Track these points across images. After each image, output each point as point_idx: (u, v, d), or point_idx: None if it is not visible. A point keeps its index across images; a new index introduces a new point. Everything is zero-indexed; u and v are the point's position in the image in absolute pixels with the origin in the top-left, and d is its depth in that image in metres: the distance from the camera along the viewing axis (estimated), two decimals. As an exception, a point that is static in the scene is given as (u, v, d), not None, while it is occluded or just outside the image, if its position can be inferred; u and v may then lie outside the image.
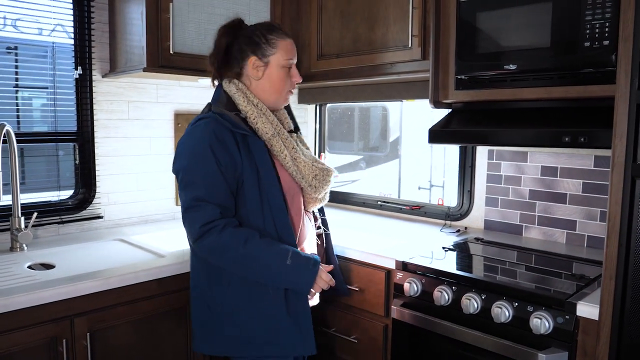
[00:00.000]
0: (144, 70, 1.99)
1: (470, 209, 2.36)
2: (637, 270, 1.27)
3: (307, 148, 1.73)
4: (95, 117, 2.23)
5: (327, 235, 1.82)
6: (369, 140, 4.45)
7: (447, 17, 1.89)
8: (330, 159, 3.12)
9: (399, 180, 4.64)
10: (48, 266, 1.83)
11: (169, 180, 2.48)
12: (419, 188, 4.57)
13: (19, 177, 1.97)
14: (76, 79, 2.20)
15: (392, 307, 1.81)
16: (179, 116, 2.49)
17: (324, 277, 1.55)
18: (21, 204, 1.99)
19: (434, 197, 4.42)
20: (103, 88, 2.25)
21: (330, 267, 1.63)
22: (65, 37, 2.18)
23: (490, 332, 1.56)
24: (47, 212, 2.14)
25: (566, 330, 1.43)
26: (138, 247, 2.03)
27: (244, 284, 1.52)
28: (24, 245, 1.96)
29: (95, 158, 2.26)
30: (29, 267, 1.80)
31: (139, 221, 2.42)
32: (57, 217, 2.17)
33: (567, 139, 1.59)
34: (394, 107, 4.08)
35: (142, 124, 2.38)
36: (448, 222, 2.40)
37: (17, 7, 2.04)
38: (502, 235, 2.21)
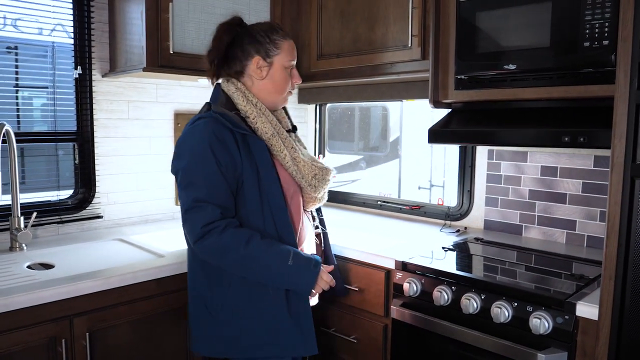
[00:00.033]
0: (144, 70, 1.99)
1: (470, 209, 2.36)
2: (637, 271, 1.27)
3: (305, 147, 1.72)
4: (95, 117, 2.23)
5: (325, 235, 1.82)
6: (369, 140, 4.45)
7: (447, 16, 1.89)
8: (330, 159, 3.12)
9: (399, 180, 4.64)
10: (47, 266, 1.83)
11: (169, 180, 2.48)
12: (419, 188, 4.57)
13: (19, 177, 1.97)
14: (76, 78, 2.20)
15: (392, 307, 1.81)
16: (178, 116, 2.49)
17: (325, 278, 1.55)
18: (21, 203, 1.99)
19: (434, 197, 4.42)
20: (103, 88, 2.25)
21: (331, 267, 1.63)
22: (65, 37, 2.19)
23: (490, 332, 1.56)
24: (46, 211, 2.14)
25: (565, 331, 1.43)
26: (138, 247, 2.03)
27: (244, 285, 1.51)
28: (24, 245, 1.96)
29: (95, 158, 2.26)
30: (29, 266, 1.80)
31: (139, 221, 2.42)
32: (57, 217, 2.17)
33: (566, 139, 1.59)
34: (394, 107, 4.09)
35: (141, 124, 2.39)
36: (448, 222, 2.40)
37: (17, 6, 2.05)
38: (502, 235, 2.21)
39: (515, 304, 1.52)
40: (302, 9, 2.46)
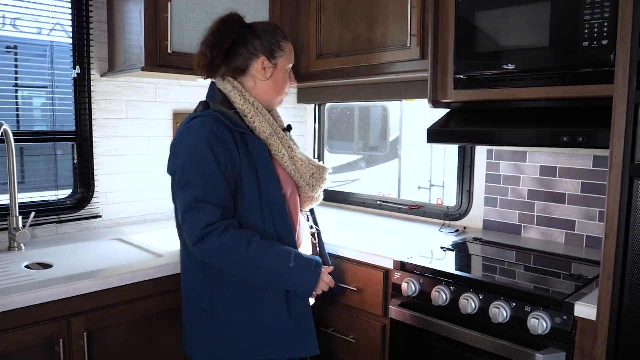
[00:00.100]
0: (143, 69, 1.99)
1: (469, 209, 2.35)
2: (635, 271, 1.26)
3: (298, 147, 1.71)
4: (93, 117, 2.23)
5: (319, 234, 1.81)
6: (369, 140, 4.45)
7: (446, 16, 1.89)
8: (330, 159, 3.11)
9: (399, 180, 4.63)
10: (46, 266, 1.83)
11: (168, 180, 2.46)
12: (419, 188, 4.57)
13: (19, 177, 1.97)
14: (75, 78, 2.20)
15: (390, 307, 1.81)
16: (178, 116, 2.48)
17: (326, 279, 1.54)
18: (19, 203, 1.99)
19: (434, 197, 4.42)
20: (102, 87, 2.25)
21: (331, 268, 1.62)
22: (64, 37, 2.18)
23: (488, 332, 1.55)
24: (45, 211, 2.14)
25: (564, 331, 1.42)
26: (136, 247, 2.03)
27: (244, 286, 1.50)
28: (22, 244, 1.96)
29: (94, 157, 2.25)
30: (27, 266, 1.80)
31: (138, 221, 2.41)
32: (56, 217, 2.17)
33: (565, 138, 1.59)
34: (394, 107, 4.08)
35: (140, 124, 2.38)
36: (447, 222, 2.40)
37: (17, 6, 2.05)
38: (501, 235, 2.21)
39: (514, 304, 1.52)
40: (302, 8, 2.46)
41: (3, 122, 1.88)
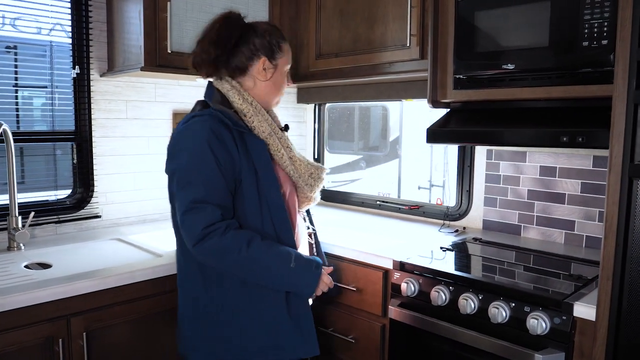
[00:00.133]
0: (142, 69, 1.99)
1: (469, 209, 2.35)
2: (634, 271, 1.26)
3: (294, 147, 1.70)
4: (93, 117, 2.23)
5: (316, 234, 1.81)
6: (368, 139, 4.44)
7: (446, 16, 1.89)
8: (329, 159, 3.11)
9: (399, 180, 4.63)
10: (45, 266, 1.83)
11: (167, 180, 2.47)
12: (419, 188, 4.56)
13: (18, 177, 1.97)
14: (74, 78, 2.20)
15: (390, 307, 1.81)
16: (177, 115, 2.48)
17: (326, 280, 1.54)
18: (19, 203, 1.99)
19: (434, 197, 4.41)
20: (101, 87, 2.25)
21: (330, 268, 1.62)
22: (63, 37, 2.18)
23: (487, 332, 1.55)
24: (44, 211, 2.14)
25: (563, 331, 1.42)
26: (135, 247, 2.03)
27: (244, 286, 1.49)
28: (21, 244, 1.96)
29: (93, 157, 2.25)
30: (26, 266, 1.80)
31: (137, 221, 2.41)
32: (55, 217, 2.17)
33: (565, 139, 1.59)
34: (394, 107, 4.08)
35: (140, 124, 2.38)
36: (446, 222, 2.40)
37: (16, 6, 2.05)
38: (501, 235, 2.20)
39: (513, 304, 1.52)
40: (301, 8, 2.46)
41: (2, 122, 1.88)
